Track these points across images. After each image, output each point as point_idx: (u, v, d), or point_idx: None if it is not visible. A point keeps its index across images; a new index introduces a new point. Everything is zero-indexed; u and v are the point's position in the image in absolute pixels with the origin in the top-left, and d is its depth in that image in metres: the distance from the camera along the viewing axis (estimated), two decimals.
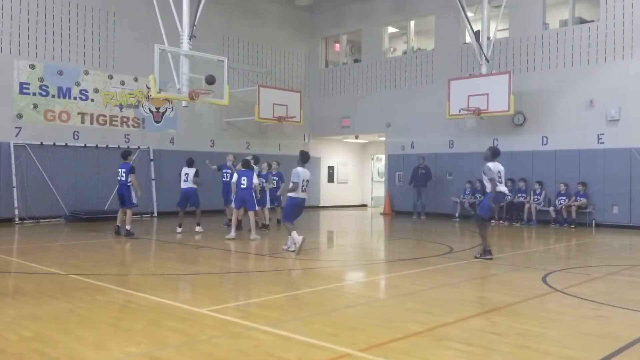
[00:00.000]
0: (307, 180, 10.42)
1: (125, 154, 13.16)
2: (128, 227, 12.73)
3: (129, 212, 12.85)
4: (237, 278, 8.46)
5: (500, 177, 9.88)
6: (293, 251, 10.28)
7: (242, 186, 12.24)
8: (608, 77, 16.25)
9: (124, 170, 12.74)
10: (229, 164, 14.75)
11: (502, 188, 9.97)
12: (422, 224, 17.55)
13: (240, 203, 12.42)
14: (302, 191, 10.36)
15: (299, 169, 10.32)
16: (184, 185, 13.64)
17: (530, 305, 6.58)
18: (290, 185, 10.36)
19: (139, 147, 18.17)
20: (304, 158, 10.57)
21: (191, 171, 13.61)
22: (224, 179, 14.86)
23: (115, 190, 13.70)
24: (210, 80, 13.97)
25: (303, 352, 4.71)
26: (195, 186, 13.64)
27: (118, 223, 13.03)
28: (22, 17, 16.14)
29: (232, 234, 12.46)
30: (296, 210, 10.49)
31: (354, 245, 13.35)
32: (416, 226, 16.86)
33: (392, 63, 21.75)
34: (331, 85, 23.61)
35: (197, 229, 13.67)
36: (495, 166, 9.79)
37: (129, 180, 12.64)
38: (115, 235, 12.82)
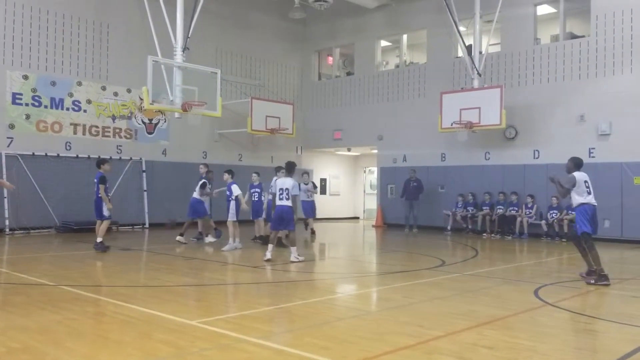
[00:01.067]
0: (287, 189, 10.78)
1: (99, 162, 12.52)
2: (99, 239, 11.96)
3: (102, 224, 12.09)
4: (228, 290, 8.42)
5: (588, 187, 9.10)
6: (301, 261, 10.75)
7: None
8: (599, 92, 16.40)
9: (95, 179, 12.18)
10: (202, 173, 14.16)
11: (590, 199, 9.04)
12: (414, 236, 17.56)
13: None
14: (281, 200, 10.79)
15: (278, 179, 11.39)
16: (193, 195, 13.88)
17: (522, 318, 6.58)
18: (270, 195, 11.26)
19: (131, 158, 18.14)
20: (289, 168, 11.16)
21: (200, 182, 13.79)
22: (254, 199, 13.89)
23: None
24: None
25: None
26: (198, 197, 13.69)
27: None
28: (16, 27, 16.13)
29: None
30: (277, 219, 10.90)
31: (346, 258, 13.34)
32: (408, 239, 16.86)
33: (384, 76, 21.86)
34: (324, 98, 23.69)
35: (207, 239, 13.97)
36: (581, 176, 9.12)
37: (99, 191, 11.98)
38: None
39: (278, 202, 10.91)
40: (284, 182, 10.92)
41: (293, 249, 10.89)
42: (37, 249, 12.71)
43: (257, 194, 13.73)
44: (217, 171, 15.50)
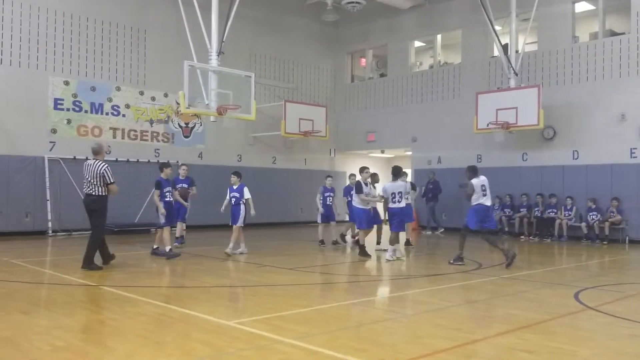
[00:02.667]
0: (400, 193, 11.74)
1: (160, 165, 12.24)
2: (167, 247, 11.56)
3: (159, 232, 11.93)
4: (264, 291, 8.48)
5: (484, 190, 10.75)
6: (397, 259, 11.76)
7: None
8: None
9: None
10: (182, 175, 13.55)
11: (484, 200, 10.80)
12: (444, 239, 17.35)
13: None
14: (394, 202, 11.75)
15: (387, 184, 12.04)
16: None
17: (562, 322, 6.45)
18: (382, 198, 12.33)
19: (168, 162, 18.39)
20: (396, 172, 12.16)
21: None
22: (328, 203, 14.20)
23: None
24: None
25: None
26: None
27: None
28: (57, 35, 16.59)
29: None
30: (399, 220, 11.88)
31: (380, 260, 13.27)
32: (443, 241, 16.69)
33: (418, 77, 21.72)
34: (357, 100, 23.67)
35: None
36: (478, 181, 10.57)
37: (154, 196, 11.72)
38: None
39: (394, 205, 11.75)
40: (396, 186, 11.87)
41: (391, 248, 11.73)
42: (78, 251, 12.95)
43: (331, 197, 14.18)
44: (251, 174, 15.59)
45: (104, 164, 9.88)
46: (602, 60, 16.81)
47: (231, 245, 12.14)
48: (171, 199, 11.98)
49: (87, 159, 16.66)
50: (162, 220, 11.58)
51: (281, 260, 11.63)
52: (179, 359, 4.82)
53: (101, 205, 9.93)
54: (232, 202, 12.07)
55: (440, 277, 9.67)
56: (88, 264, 9.75)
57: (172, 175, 12.58)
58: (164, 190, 11.74)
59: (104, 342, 5.32)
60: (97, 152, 10.08)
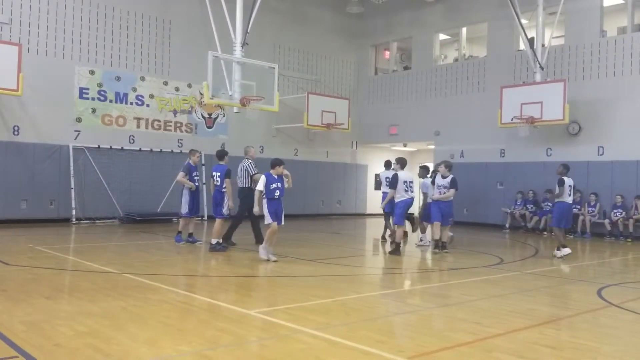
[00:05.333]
0: (408, 182, 11.61)
1: (221, 153, 11.70)
2: (213, 240, 11.12)
3: (217, 223, 11.12)
4: (284, 282, 8.52)
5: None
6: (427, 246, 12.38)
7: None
8: None
9: (218, 173, 11.18)
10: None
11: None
12: (471, 233, 17.22)
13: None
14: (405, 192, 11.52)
15: (400, 172, 11.68)
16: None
17: (585, 319, 6.38)
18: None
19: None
20: (402, 163, 11.99)
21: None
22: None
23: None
24: None
25: (350, 357, 4.71)
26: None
27: (190, 230, 12.09)
28: (83, 25, 16.76)
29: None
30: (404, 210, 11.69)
31: (401, 253, 13.22)
32: (465, 236, 16.57)
33: (442, 70, 21.54)
34: (380, 93, 23.55)
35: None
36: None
37: (224, 185, 11.09)
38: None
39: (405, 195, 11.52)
40: (404, 174, 11.69)
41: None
42: (101, 239, 13.21)
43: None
44: (264, 166, 15.39)
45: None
46: (630, 55, 16.48)
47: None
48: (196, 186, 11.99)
49: (110, 148, 17.06)
50: (227, 212, 11.12)
51: (302, 252, 11.66)
52: (200, 346, 4.86)
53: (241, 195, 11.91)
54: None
55: (461, 271, 9.61)
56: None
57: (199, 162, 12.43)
58: (193, 175, 11.80)
59: (126, 328, 5.39)
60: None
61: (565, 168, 11.77)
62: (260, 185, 9.73)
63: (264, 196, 9.75)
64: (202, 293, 7.04)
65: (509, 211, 18.32)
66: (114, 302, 6.47)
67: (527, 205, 17.93)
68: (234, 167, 12.07)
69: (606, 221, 16.11)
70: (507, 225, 18.29)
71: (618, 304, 7.08)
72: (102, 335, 5.12)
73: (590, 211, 16.47)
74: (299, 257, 10.89)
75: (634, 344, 5.44)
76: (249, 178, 11.95)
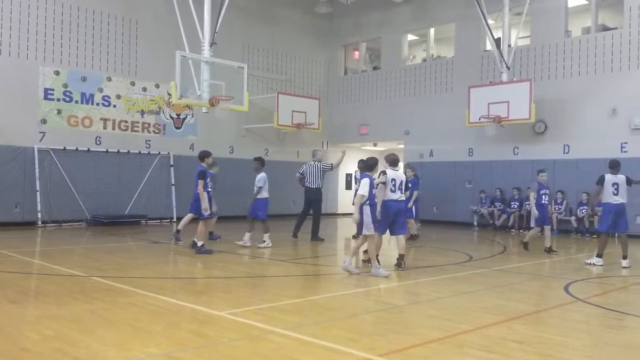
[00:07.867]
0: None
1: (201, 154, 11.43)
2: (199, 243, 10.91)
3: (200, 224, 11.05)
4: (255, 282, 8.47)
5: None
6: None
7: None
8: (632, 85, 16.03)
9: (195, 174, 11.02)
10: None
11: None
12: (440, 231, 17.40)
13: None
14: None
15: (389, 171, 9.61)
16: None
17: (552, 314, 6.50)
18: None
19: (159, 153, 18.36)
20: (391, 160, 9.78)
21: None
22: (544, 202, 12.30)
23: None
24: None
25: (322, 356, 4.71)
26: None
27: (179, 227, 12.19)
28: (48, 24, 16.41)
29: None
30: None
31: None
32: (434, 234, 16.73)
33: (411, 70, 21.71)
34: (350, 93, 23.63)
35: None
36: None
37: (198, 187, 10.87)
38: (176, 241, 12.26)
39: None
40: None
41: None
42: (68, 242, 12.96)
43: (547, 196, 12.19)
44: (243, 166, 15.53)
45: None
46: (595, 55, 16.86)
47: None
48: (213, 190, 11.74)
49: (76, 149, 16.73)
50: (206, 214, 10.88)
51: (273, 252, 11.60)
52: (170, 348, 4.80)
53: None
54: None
55: (431, 269, 9.69)
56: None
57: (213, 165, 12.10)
58: (207, 181, 11.15)
59: (95, 331, 5.29)
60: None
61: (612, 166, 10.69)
62: (364, 189, 8.57)
63: (367, 203, 8.63)
64: (172, 295, 6.95)
65: (475, 208, 18.61)
66: (81, 305, 6.35)
67: (495, 204, 18.19)
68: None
69: (572, 218, 16.44)
70: (475, 223, 18.53)
71: (584, 299, 7.23)
72: (69, 339, 5.02)
73: (557, 208, 16.79)
74: (270, 258, 10.85)
75: (600, 337, 5.56)
76: (319, 178, 13.65)
